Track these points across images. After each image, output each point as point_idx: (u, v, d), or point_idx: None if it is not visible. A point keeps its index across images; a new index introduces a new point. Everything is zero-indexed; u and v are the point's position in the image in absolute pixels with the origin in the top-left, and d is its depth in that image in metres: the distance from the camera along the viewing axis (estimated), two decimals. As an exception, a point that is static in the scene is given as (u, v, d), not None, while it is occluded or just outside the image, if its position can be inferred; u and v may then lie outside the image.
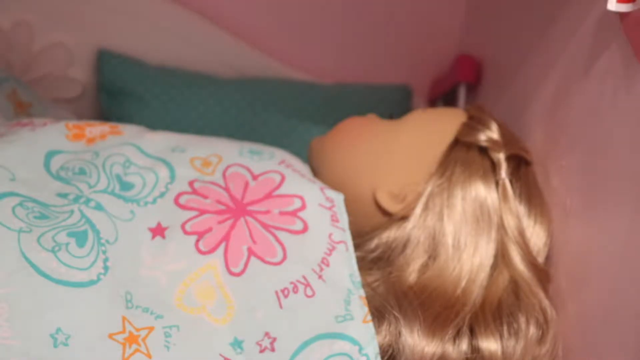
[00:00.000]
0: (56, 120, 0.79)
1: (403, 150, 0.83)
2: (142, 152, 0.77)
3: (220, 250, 0.71)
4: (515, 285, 0.77)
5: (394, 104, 1.16)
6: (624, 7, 0.67)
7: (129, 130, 0.80)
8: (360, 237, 0.81)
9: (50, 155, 0.75)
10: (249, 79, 1.15)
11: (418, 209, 0.79)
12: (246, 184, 0.76)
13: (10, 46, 1.07)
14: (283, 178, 0.77)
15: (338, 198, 0.78)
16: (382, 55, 1.22)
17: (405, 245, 0.79)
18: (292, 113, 1.11)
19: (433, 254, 0.78)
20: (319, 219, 0.75)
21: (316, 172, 0.87)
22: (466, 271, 0.76)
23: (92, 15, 1.09)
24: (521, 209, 0.80)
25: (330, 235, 0.74)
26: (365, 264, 0.79)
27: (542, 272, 0.78)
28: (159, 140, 0.79)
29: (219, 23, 1.16)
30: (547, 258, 0.80)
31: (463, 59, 1.14)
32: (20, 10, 1.06)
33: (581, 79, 0.78)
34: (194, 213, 0.73)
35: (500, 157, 0.81)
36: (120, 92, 1.10)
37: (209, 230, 0.72)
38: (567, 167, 0.79)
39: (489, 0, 1.11)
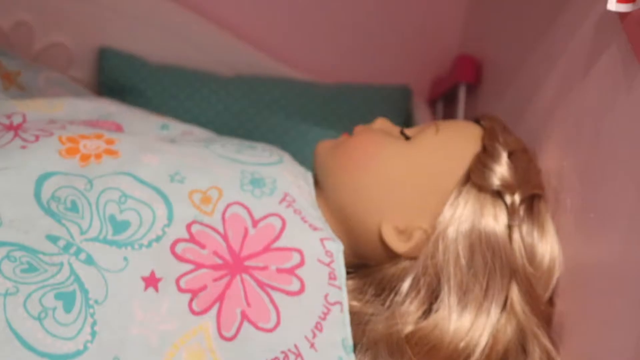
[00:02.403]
0: (49, 132, 0.75)
1: (412, 181, 0.79)
2: (137, 180, 0.73)
3: (214, 311, 0.69)
4: (522, 334, 0.74)
5: (394, 104, 1.16)
6: (624, 7, 0.67)
7: (125, 149, 0.75)
8: (363, 268, 0.80)
9: (41, 180, 0.71)
10: (250, 78, 1.15)
11: (424, 253, 0.76)
12: (245, 232, 0.73)
13: (10, 46, 1.06)
14: (284, 225, 0.75)
15: (337, 250, 0.75)
16: (382, 55, 1.22)
17: (407, 293, 0.76)
18: (293, 112, 1.11)
19: (434, 305, 0.75)
20: (317, 277, 0.73)
21: (320, 184, 0.84)
22: (469, 326, 0.73)
23: (92, 15, 1.09)
24: (534, 248, 0.77)
25: (326, 296, 0.73)
26: (365, 296, 0.78)
27: (548, 313, 0.77)
28: (156, 165, 0.75)
29: (219, 23, 1.16)
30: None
31: (463, 59, 1.14)
32: (20, 10, 1.06)
33: (581, 79, 0.78)
34: (190, 267, 0.70)
35: (515, 200, 0.77)
36: (121, 90, 1.10)
37: (204, 288, 0.70)
38: (567, 167, 0.79)
39: (489, 0, 1.11)
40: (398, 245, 0.78)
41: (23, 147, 0.73)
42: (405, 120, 1.17)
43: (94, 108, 0.86)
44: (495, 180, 0.77)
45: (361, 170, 0.80)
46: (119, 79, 1.10)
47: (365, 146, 0.82)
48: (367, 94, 1.16)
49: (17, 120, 0.77)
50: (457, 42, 1.22)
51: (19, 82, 0.91)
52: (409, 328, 0.74)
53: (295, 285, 0.72)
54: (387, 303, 0.77)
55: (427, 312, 0.76)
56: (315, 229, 0.76)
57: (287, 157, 0.84)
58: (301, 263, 0.73)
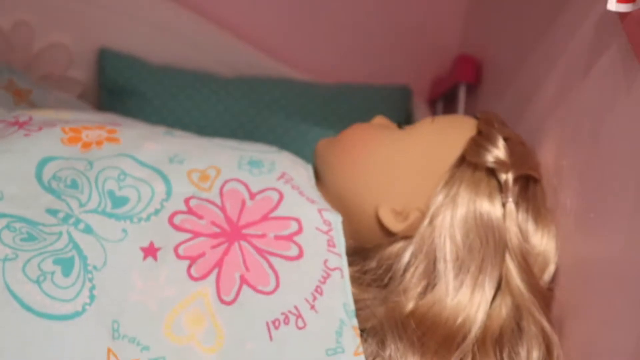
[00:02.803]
0: (52, 124, 0.78)
1: (408, 165, 0.81)
2: (137, 162, 0.75)
3: (213, 276, 0.70)
4: (517, 312, 0.75)
5: (394, 104, 1.16)
6: (624, 7, 0.67)
7: (126, 138, 0.77)
8: (361, 251, 0.80)
9: (43, 163, 0.73)
10: (250, 78, 1.15)
11: (420, 231, 0.77)
12: (243, 203, 0.74)
13: (10, 46, 1.07)
14: (281, 197, 0.76)
15: (336, 220, 0.76)
16: (382, 55, 1.22)
17: (405, 270, 0.77)
18: (293, 112, 1.11)
19: (432, 281, 0.76)
20: (315, 244, 0.73)
21: (320, 178, 0.85)
22: (466, 302, 0.74)
23: (92, 15, 1.09)
24: (528, 229, 0.78)
25: (325, 261, 0.73)
26: (364, 280, 0.78)
27: (546, 294, 0.77)
28: (156, 150, 0.77)
29: (219, 23, 1.16)
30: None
31: (463, 59, 1.14)
32: (20, 10, 1.06)
33: (581, 79, 0.78)
34: (187, 235, 0.71)
35: (508, 178, 0.78)
36: (121, 91, 1.10)
37: (202, 255, 0.70)
38: (567, 167, 0.79)
39: (489, 0, 1.11)
40: (395, 225, 0.79)
41: (26, 135, 0.75)
42: (405, 120, 1.17)
43: (100, 119, 0.87)
44: (490, 157, 0.79)
45: (357, 156, 0.83)
46: (119, 80, 1.10)
47: (360, 134, 0.85)
48: (367, 94, 1.16)
49: (23, 119, 0.79)
50: (457, 42, 1.22)
51: (29, 100, 0.93)
52: (410, 305, 0.75)
53: (293, 251, 0.73)
54: (386, 281, 0.78)
55: (426, 289, 0.76)
56: (312, 201, 0.77)
57: (287, 152, 0.85)
58: (299, 230, 0.74)
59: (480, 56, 1.13)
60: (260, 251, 0.72)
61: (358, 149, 0.83)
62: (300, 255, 0.72)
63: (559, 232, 0.79)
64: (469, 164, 0.79)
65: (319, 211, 0.76)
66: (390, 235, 0.80)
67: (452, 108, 1.18)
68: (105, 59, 1.10)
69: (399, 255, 0.78)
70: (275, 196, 0.76)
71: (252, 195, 0.75)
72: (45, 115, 0.82)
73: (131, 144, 0.76)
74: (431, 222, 0.77)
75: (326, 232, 0.75)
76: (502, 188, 0.78)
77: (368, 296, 0.77)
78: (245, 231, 0.73)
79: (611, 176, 0.70)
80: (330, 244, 0.74)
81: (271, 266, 0.71)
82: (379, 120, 0.88)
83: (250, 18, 1.17)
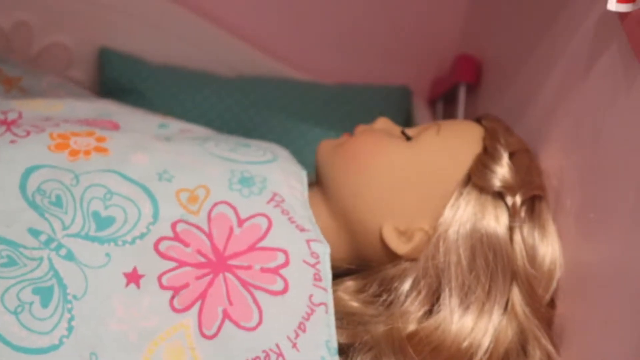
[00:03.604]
0: (41, 128, 0.76)
1: (413, 182, 0.79)
2: (125, 178, 0.73)
3: (195, 309, 0.69)
4: (522, 335, 0.74)
5: (394, 104, 1.16)
6: (624, 7, 0.67)
7: (115, 148, 0.75)
8: (364, 269, 0.80)
9: (28, 172, 0.71)
10: (250, 78, 1.15)
11: (425, 254, 0.76)
12: (230, 231, 0.73)
13: (10, 46, 1.06)
14: (270, 225, 0.74)
15: (324, 252, 0.74)
16: (382, 55, 1.22)
17: (407, 294, 0.76)
18: (293, 112, 1.11)
19: (436, 306, 0.75)
20: (301, 278, 0.72)
21: (322, 184, 0.84)
22: (472, 327, 0.73)
23: (92, 15, 1.09)
24: (535, 251, 0.77)
25: (310, 296, 0.71)
26: (366, 297, 0.78)
27: (550, 315, 0.76)
28: (145, 164, 0.75)
29: (219, 23, 1.16)
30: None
31: (463, 59, 1.14)
32: (20, 10, 1.06)
33: (581, 78, 0.78)
34: (172, 264, 0.70)
35: (516, 202, 0.76)
36: (121, 90, 1.10)
37: (186, 286, 0.69)
38: (567, 167, 0.79)
39: (489, 0, 1.11)
40: (399, 246, 0.78)
41: (12, 142, 0.73)
42: (405, 120, 1.17)
43: (93, 108, 0.86)
44: (497, 182, 0.77)
45: (362, 172, 0.80)
46: (119, 79, 1.10)
47: (366, 147, 0.82)
48: (367, 94, 1.16)
49: (12, 116, 0.77)
50: (457, 42, 1.22)
51: (20, 86, 0.91)
52: (410, 327, 0.74)
53: (279, 285, 0.71)
54: (388, 304, 0.77)
55: (428, 313, 0.76)
56: (302, 230, 0.75)
57: (283, 156, 0.83)
58: (286, 263, 0.72)
59: (480, 56, 1.13)
60: (245, 284, 0.70)
61: (363, 162, 0.81)
62: (285, 290, 0.71)
63: (559, 233, 0.79)
64: (476, 185, 0.77)
65: (307, 242, 0.74)
66: (393, 255, 0.79)
67: (452, 108, 1.18)
68: (105, 59, 1.10)
69: (401, 277, 0.77)
70: (264, 224, 0.74)
71: (241, 222, 0.74)
72: (36, 108, 0.81)
73: (120, 156, 0.74)
74: (436, 245, 0.76)
75: (313, 265, 0.73)
76: (509, 211, 0.76)
77: (368, 312, 0.77)
78: (231, 262, 0.71)
79: (611, 176, 0.70)
80: (317, 277, 0.72)
81: (255, 300, 0.70)
82: (382, 123, 0.86)
83: (250, 18, 1.17)
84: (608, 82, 0.72)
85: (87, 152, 0.74)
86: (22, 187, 0.70)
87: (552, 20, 0.86)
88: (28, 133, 0.74)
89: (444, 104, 1.23)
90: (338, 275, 0.81)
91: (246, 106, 1.10)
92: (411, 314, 0.75)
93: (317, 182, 0.85)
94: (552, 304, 0.78)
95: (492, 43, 1.10)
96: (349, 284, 0.80)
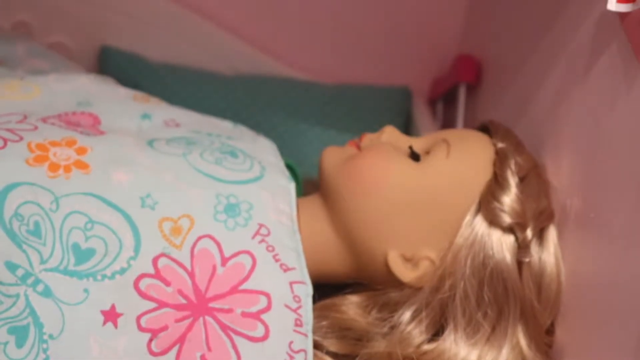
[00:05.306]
0: (19, 137, 0.72)
1: (421, 210, 0.77)
2: (106, 203, 0.70)
3: (173, 353, 0.67)
4: None
5: (394, 104, 1.16)
6: (624, 7, 0.67)
7: (96, 163, 0.72)
8: (370, 285, 0.79)
9: (5, 192, 0.68)
10: (250, 77, 1.15)
11: (429, 287, 0.75)
12: (213, 270, 0.70)
13: (10, 46, 1.07)
14: (254, 264, 0.72)
15: (306, 294, 0.72)
16: (382, 55, 1.22)
17: (409, 320, 0.75)
18: (293, 112, 1.11)
19: (438, 335, 0.74)
20: (282, 324, 0.70)
21: (326, 201, 0.81)
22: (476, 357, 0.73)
23: (92, 15, 1.09)
24: (543, 283, 0.76)
25: (290, 343, 0.70)
26: (369, 316, 0.77)
27: (550, 344, 0.76)
28: (127, 186, 0.71)
29: (219, 23, 1.16)
30: None
31: (463, 59, 1.14)
32: (20, 10, 1.06)
33: (581, 79, 0.78)
34: (152, 305, 0.68)
35: (526, 236, 0.75)
36: (122, 88, 1.10)
37: (165, 328, 0.67)
38: (567, 167, 0.79)
39: (489, 0, 1.11)
40: (404, 274, 0.77)
41: None
42: (405, 120, 1.17)
43: (72, 91, 0.83)
44: (506, 218, 0.75)
45: (370, 195, 0.78)
46: (120, 78, 1.09)
47: (374, 169, 0.78)
48: (367, 94, 1.16)
49: None
50: (457, 42, 1.22)
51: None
52: (411, 350, 0.74)
53: (259, 331, 0.70)
54: (390, 326, 0.76)
55: (429, 341, 0.75)
56: (286, 269, 0.73)
57: (270, 165, 0.80)
58: (268, 307, 0.71)
59: (480, 56, 1.13)
60: (224, 328, 0.69)
61: (371, 186, 0.77)
62: (265, 337, 0.70)
63: (559, 233, 0.79)
64: (485, 217, 0.75)
65: (290, 285, 0.72)
66: (398, 280, 0.77)
67: (452, 108, 1.18)
68: (106, 57, 1.10)
69: (404, 304, 0.76)
70: (247, 263, 0.72)
71: (224, 261, 0.71)
72: (12, 98, 0.78)
73: (101, 174, 0.71)
74: (442, 279, 0.75)
75: (295, 310, 0.71)
76: (519, 245, 0.75)
77: (371, 329, 0.76)
78: (212, 304, 0.69)
79: (611, 176, 0.70)
80: (298, 323, 0.71)
81: (234, 346, 0.68)
82: (389, 133, 0.83)
83: (250, 18, 1.17)
84: (608, 82, 0.72)
85: (67, 168, 0.71)
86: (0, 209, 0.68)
87: (552, 20, 0.86)
88: (5, 143, 0.71)
89: (444, 104, 1.23)
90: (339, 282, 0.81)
91: (246, 105, 1.10)
92: (413, 338, 0.74)
93: (320, 190, 0.82)
94: (551, 328, 0.77)
95: (492, 43, 1.10)
96: (353, 299, 0.79)
